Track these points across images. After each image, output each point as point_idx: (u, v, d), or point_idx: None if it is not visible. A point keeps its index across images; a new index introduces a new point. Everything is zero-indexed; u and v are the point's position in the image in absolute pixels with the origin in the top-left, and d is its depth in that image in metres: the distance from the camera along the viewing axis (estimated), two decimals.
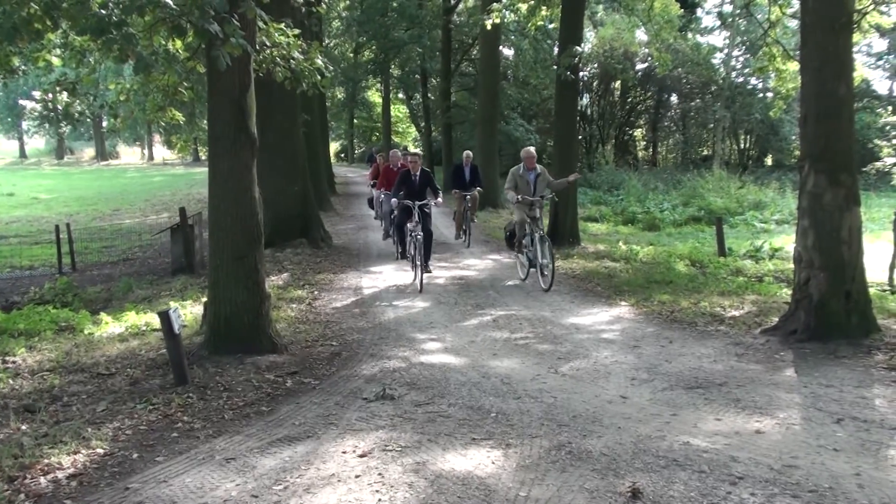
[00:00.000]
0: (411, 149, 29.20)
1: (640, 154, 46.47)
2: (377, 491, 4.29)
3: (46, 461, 4.74)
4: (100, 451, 4.96)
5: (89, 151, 72.44)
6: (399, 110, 55.15)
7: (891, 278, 10.60)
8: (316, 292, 10.98)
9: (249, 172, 7.34)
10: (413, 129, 55.27)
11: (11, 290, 14.00)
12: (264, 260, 7.83)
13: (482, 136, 24.65)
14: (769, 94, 31.27)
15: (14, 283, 14.76)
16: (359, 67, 40.28)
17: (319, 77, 8.34)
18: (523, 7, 16.90)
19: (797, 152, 12.50)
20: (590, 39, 38.40)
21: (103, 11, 5.74)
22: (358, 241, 17.03)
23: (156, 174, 49.77)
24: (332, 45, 40.55)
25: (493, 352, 7.58)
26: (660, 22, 18.42)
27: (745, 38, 38.62)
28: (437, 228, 13.71)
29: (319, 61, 8.30)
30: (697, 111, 43.32)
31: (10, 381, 6.65)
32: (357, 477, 4.49)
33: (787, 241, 15.02)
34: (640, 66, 40.47)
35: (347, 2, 36.13)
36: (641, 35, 34.24)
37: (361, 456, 4.81)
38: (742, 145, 44.88)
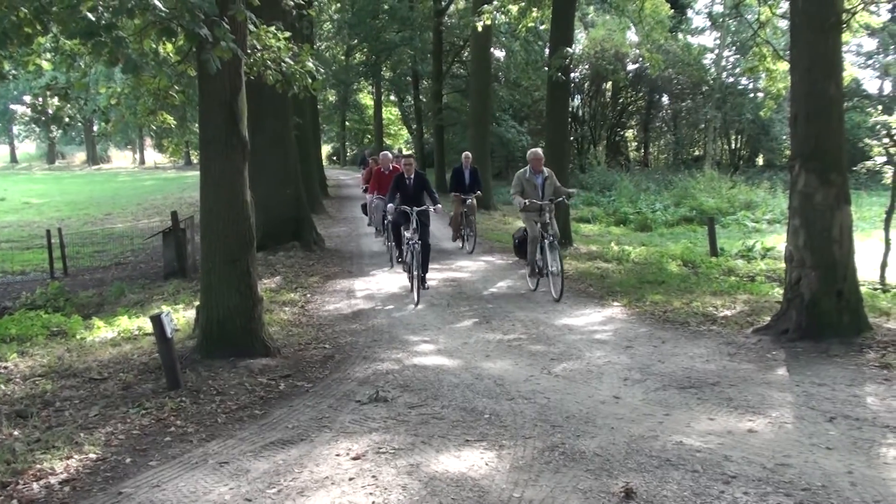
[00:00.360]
0: (405, 151, 28.88)
1: (632, 155, 46.60)
2: (371, 493, 4.29)
3: (39, 466, 4.72)
4: (92, 455, 4.94)
5: (80, 155, 72.11)
6: (391, 112, 55.18)
7: (882, 277, 10.65)
8: (308, 295, 10.97)
9: (241, 175, 7.33)
10: (405, 131, 55.28)
11: (3, 295, 13.96)
12: (256, 263, 7.81)
13: (474, 138, 24.67)
14: (760, 94, 31.45)
15: (6, 289, 14.71)
16: (350, 70, 40.29)
17: (311, 80, 8.33)
18: (514, 9, 16.94)
19: (788, 152, 12.57)
20: (581, 41, 38.51)
21: (92, 16, 5.72)
22: (350, 243, 17.01)
23: (147, 178, 49.62)
24: (323, 47, 40.55)
25: (487, 353, 7.58)
26: (650, 23, 18.51)
27: (735, 38, 38.81)
28: (433, 234, 12.75)
29: (310, 64, 8.29)
30: (688, 111, 43.48)
31: (3, 387, 6.62)
32: (351, 479, 4.49)
33: (778, 241, 15.07)
34: (631, 67, 40.61)
35: (338, 4, 36.13)
36: (632, 36, 34.36)
37: (355, 458, 4.81)
38: (733, 145, 45.05)
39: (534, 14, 17.49)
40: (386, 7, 33.33)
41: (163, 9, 5.81)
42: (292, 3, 9.94)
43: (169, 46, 8.02)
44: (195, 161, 54.31)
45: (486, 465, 4.68)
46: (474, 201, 15.37)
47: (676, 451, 4.78)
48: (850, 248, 7.52)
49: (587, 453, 4.79)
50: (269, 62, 7.92)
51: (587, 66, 39.47)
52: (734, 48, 39.74)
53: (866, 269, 9.94)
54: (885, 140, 10.94)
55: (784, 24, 13.58)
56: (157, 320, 6.33)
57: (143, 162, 70.19)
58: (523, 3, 16.63)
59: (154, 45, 7.73)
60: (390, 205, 11.30)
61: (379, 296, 10.90)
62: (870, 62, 39.80)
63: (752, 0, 13.05)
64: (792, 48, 7.82)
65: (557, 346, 7.77)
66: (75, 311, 11.34)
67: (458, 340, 8.16)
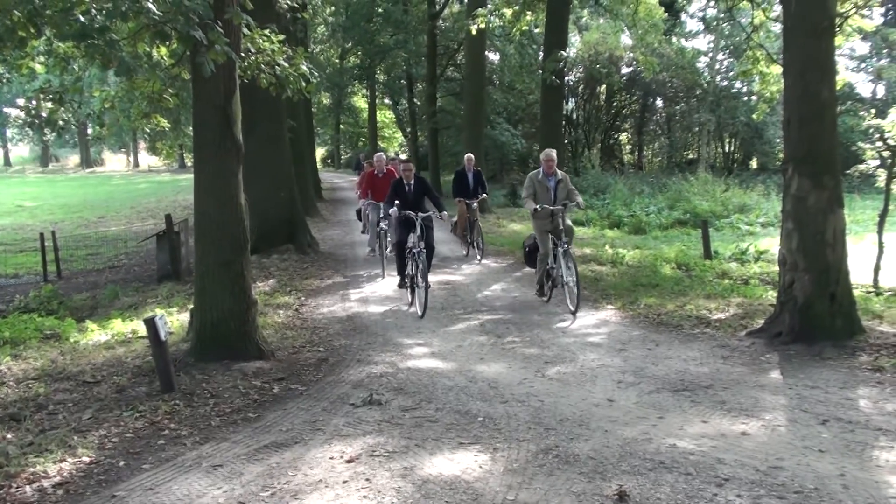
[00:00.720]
0: (402, 156, 28.20)
1: (626, 158, 46.56)
2: (365, 496, 4.29)
3: (32, 470, 4.71)
4: (86, 459, 4.93)
5: (74, 159, 71.98)
6: (385, 115, 55.15)
7: (875, 280, 10.67)
8: (303, 298, 10.96)
9: (235, 178, 7.33)
10: (399, 135, 55.30)
11: None
12: (250, 266, 7.81)
13: (468, 141, 24.64)
14: (753, 98, 31.50)
15: None
16: (344, 73, 40.31)
17: (304, 83, 8.33)
18: (508, 12, 17.00)
19: (781, 155, 12.57)
20: (575, 44, 38.50)
21: (84, 19, 5.72)
22: (345, 246, 16.98)
23: (141, 181, 49.53)
24: (317, 50, 40.55)
25: (481, 356, 7.58)
26: (644, 26, 18.59)
27: (729, 42, 38.90)
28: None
29: (304, 67, 8.29)
30: (682, 115, 43.51)
31: None
32: (344, 482, 4.49)
33: (772, 244, 15.07)
34: (625, 71, 40.62)
35: (332, 7, 36.15)
36: (626, 39, 34.41)
37: (349, 461, 4.80)
38: (727, 149, 45.08)
39: (528, 17, 17.53)
40: (380, 10, 33.35)
41: (157, 12, 5.82)
42: (286, 6, 9.94)
43: (163, 49, 8.01)
44: (189, 164, 54.21)
45: (480, 467, 4.68)
46: (476, 206, 14.61)
47: (670, 454, 4.79)
48: (843, 252, 7.54)
49: (581, 456, 4.80)
50: (264, 65, 7.92)
51: (581, 70, 39.47)
52: (728, 52, 39.85)
53: (859, 272, 9.95)
54: (878, 143, 10.96)
55: (777, 27, 13.65)
56: (150, 323, 6.32)
57: (136, 165, 70.06)
58: (517, 7, 16.66)
59: (148, 49, 7.73)
60: (393, 209, 10.42)
61: (373, 298, 10.89)
62: (863, 66, 39.91)
63: (746, 4, 13.07)
64: (785, 52, 7.84)
65: (551, 349, 7.77)
66: (69, 314, 11.33)
67: (452, 343, 8.16)
